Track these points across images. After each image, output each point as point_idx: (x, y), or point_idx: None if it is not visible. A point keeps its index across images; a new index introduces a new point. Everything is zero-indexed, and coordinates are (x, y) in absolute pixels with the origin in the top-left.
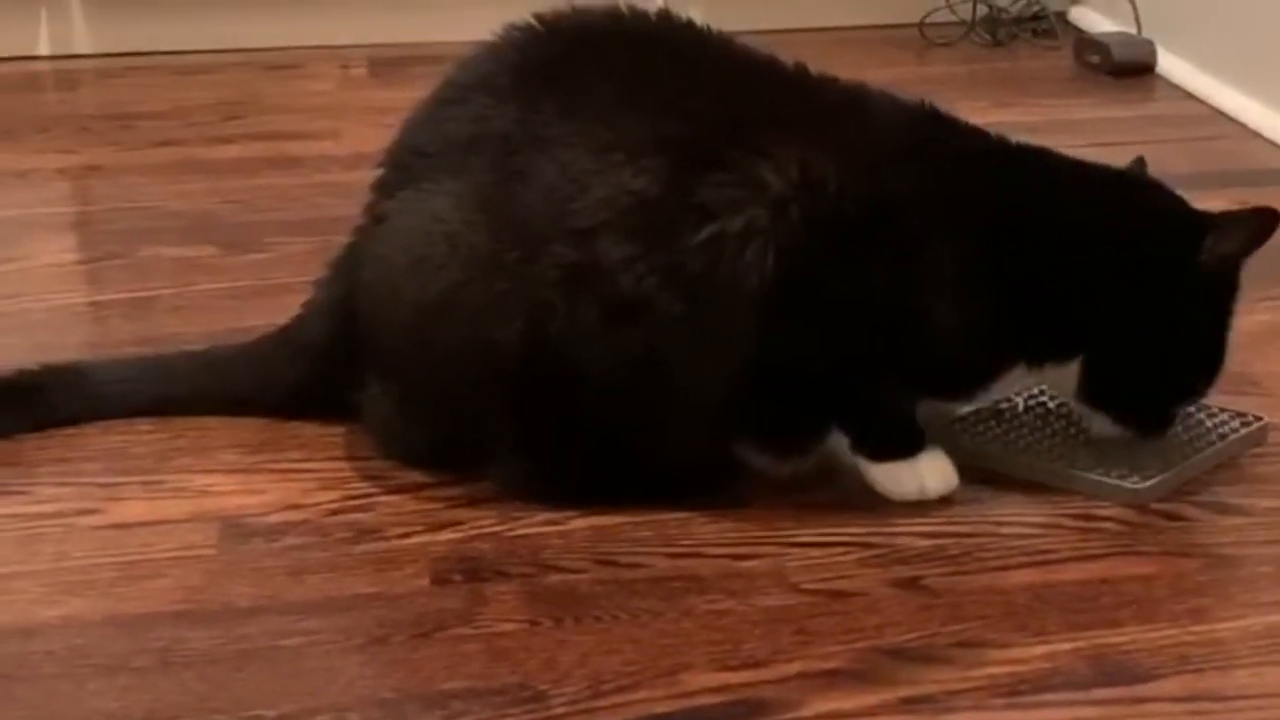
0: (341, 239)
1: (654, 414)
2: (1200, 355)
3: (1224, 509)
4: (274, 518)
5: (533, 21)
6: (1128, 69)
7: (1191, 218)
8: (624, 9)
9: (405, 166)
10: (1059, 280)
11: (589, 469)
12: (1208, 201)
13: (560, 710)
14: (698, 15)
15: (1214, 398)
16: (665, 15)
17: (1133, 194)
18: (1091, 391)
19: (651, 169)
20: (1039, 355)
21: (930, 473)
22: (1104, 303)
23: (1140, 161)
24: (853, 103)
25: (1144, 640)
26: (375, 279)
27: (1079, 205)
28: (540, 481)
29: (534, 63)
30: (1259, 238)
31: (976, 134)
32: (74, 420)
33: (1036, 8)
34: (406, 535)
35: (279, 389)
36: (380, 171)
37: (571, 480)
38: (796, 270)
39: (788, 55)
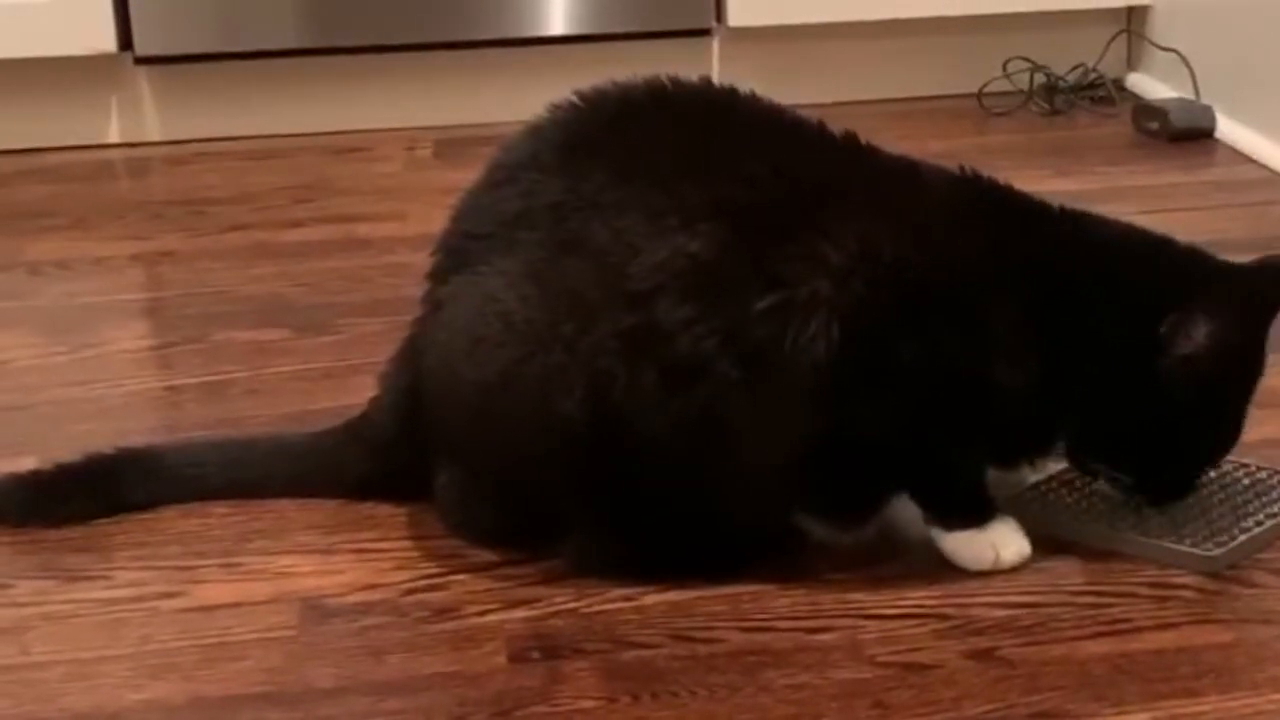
0: (410, 320)
1: (715, 481)
2: (1160, 447)
3: None
4: (352, 598)
5: (574, 99)
6: (1187, 134)
7: (1161, 302)
8: (666, 80)
9: (458, 251)
10: (1063, 344)
11: (656, 540)
12: None
13: None
14: (750, 87)
15: None
16: (707, 81)
17: (1130, 267)
18: (1075, 452)
19: (707, 232)
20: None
21: (1003, 542)
22: (1080, 369)
23: None
24: (903, 170)
25: (1224, 709)
26: (436, 365)
27: (1073, 273)
28: (611, 556)
29: (579, 137)
30: (1228, 333)
31: (1021, 198)
32: (150, 504)
33: (1094, 75)
34: (483, 613)
35: (348, 480)
36: (434, 259)
37: (640, 553)
38: (862, 339)
39: (837, 124)
